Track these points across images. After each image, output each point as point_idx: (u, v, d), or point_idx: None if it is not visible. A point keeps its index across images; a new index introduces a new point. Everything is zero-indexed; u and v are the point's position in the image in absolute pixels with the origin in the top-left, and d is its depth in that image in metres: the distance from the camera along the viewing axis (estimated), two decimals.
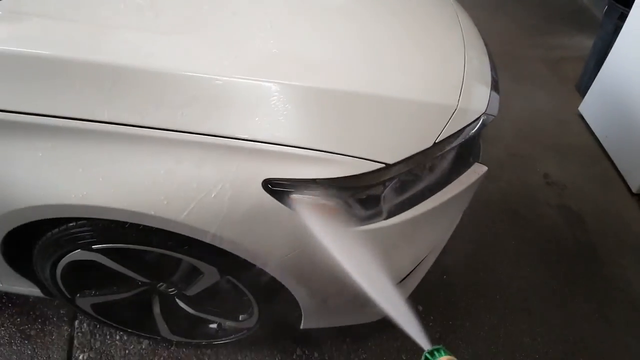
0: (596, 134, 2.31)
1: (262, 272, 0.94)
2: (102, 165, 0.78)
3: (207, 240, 0.84)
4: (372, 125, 0.89)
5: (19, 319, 1.46)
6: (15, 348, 1.40)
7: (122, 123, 0.77)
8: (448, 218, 1.18)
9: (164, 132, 0.77)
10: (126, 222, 0.85)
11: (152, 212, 0.79)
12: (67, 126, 0.76)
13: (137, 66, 0.79)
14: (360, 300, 0.94)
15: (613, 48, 2.21)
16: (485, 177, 1.14)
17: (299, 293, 1.01)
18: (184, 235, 0.85)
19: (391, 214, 0.93)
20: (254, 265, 0.92)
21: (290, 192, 0.82)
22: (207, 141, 0.78)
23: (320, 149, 0.81)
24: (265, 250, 0.87)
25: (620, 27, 2.17)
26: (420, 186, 0.98)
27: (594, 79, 2.35)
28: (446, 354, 0.69)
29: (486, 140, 1.22)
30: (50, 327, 1.44)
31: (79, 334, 1.42)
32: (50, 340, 1.41)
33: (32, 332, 1.43)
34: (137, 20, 0.87)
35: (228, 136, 0.78)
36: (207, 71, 0.81)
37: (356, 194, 0.87)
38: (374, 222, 0.90)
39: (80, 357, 1.37)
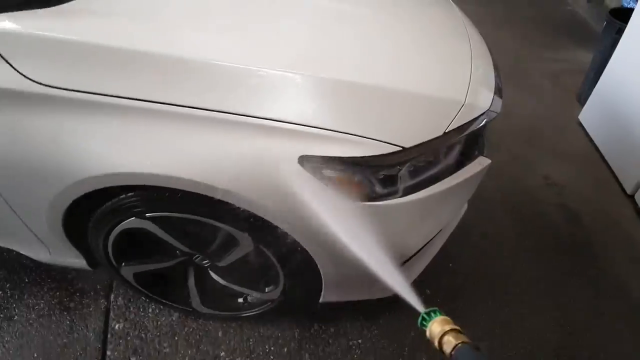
0: (594, 140, 2.45)
1: (292, 241, 1.08)
2: (166, 140, 0.92)
3: (247, 206, 0.98)
4: (393, 115, 1.03)
5: (58, 293, 1.59)
6: (54, 319, 1.53)
7: (184, 105, 0.91)
8: (454, 202, 1.31)
9: (219, 113, 0.92)
10: (179, 192, 0.99)
11: (205, 181, 0.93)
12: (140, 107, 0.91)
13: (197, 59, 0.94)
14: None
15: (610, 61, 2.35)
16: (489, 170, 1.27)
17: (323, 263, 1.14)
18: (227, 205, 0.99)
19: (406, 193, 1.06)
20: (286, 234, 1.06)
21: (322, 168, 0.96)
22: (254, 122, 0.92)
23: (349, 132, 0.95)
24: (298, 218, 1.00)
25: (618, 41, 2.31)
26: (431, 171, 1.12)
27: (593, 89, 2.49)
28: (441, 314, 0.78)
29: (491, 144, 1.34)
30: (87, 300, 1.57)
31: (115, 306, 1.55)
32: (87, 312, 1.54)
33: (71, 305, 1.56)
34: (195, 21, 1.04)
35: (271, 118, 0.93)
36: (254, 64, 0.96)
37: (377, 172, 1.00)
38: (391, 199, 1.04)
39: (116, 327, 1.50)
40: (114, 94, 0.91)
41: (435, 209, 1.17)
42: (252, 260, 1.25)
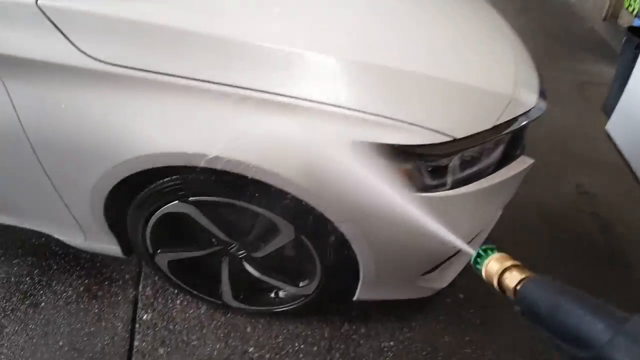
0: (621, 150, 2.43)
1: (335, 231, 1.06)
2: (216, 120, 0.92)
3: (294, 191, 0.96)
4: (444, 105, 1.02)
5: (86, 281, 1.58)
6: (83, 306, 1.51)
7: (235, 85, 0.91)
8: (498, 201, 1.29)
9: (269, 94, 0.91)
10: (223, 175, 0.97)
11: (254, 162, 0.92)
12: (192, 85, 0.91)
13: (246, 41, 0.94)
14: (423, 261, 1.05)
15: (632, 75, 2.36)
16: (530, 170, 1.25)
17: (364, 257, 1.11)
18: (272, 191, 0.98)
19: (454, 186, 1.04)
20: (329, 224, 1.04)
21: (374, 156, 0.94)
22: (307, 105, 0.91)
23: (402, 120, 0.94)
24: (346, 207, 0.98)
25: (638, 55, 2.32)
26: (478, 166, 1.10)
27: (619, 100, 2.49)
28: (498, 251, 0.67)
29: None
30: (116, 289, 1.56)
31: (143, 296, 1.53)
32: (116, 300, 1.53)
33: (99, 293, 1.55)
34: (244, 6, 1.04)
35: (324, 102, 0.92)
36: (308, 48, 0.96)
37: (428, 162, 0.99)
38: (439, 191, 1.02)
39: (145, 317, 1.48)
40: (166, 72, 0.91)
41: (480, 205, 1.15)
42: (290, 252, 1.23)
